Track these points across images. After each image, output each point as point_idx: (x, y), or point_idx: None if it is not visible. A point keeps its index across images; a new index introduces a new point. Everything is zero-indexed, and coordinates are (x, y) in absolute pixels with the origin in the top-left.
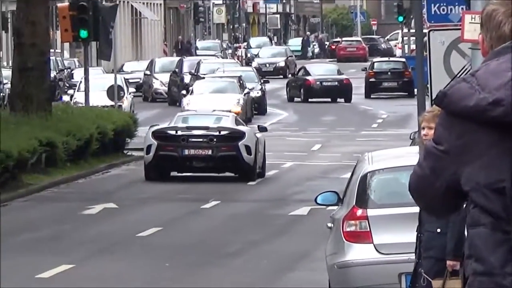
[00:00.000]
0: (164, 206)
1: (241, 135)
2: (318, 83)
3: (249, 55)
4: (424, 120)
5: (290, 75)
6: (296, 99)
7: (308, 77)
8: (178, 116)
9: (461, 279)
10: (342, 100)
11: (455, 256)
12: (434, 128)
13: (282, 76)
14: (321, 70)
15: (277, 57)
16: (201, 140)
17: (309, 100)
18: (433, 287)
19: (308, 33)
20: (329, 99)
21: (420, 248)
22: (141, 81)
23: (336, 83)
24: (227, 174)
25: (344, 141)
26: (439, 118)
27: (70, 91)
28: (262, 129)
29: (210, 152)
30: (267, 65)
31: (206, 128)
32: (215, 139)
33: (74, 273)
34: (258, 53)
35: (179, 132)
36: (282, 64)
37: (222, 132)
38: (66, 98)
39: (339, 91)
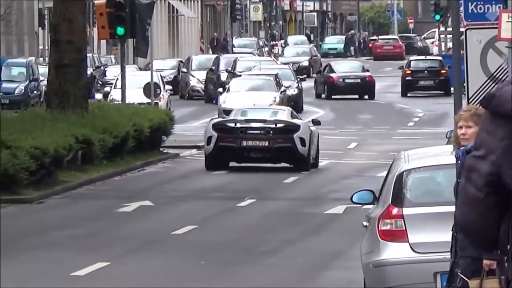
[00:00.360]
0: (199, 204)
1: (296, 128)
2: (341, 80)
3: None
4: (462, 119)
5: (314, 75)
6: (323, 95)
7: (332, 74)
8: (237, 110)
9: (498, 279)
10: (366, 97)
11: (492, 255)
12: (471, 127)
13: (306, 76)
14: (345, 68)
15: (301, 56)
16: (258, 132)
17: (333, 97)
18: (470, 287)
19: (352, 31)
20: (353, 96)
21: (456, 247)
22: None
23: (359, 80)
24: (283, 164)
25: (380, 139)
26: (481, 123)
27: (107, 88)
28: (316, 122)
29: (266, 143)
30: (291, 64)
31: (263, 121)
32: (271, 131)
33: (110, 271)
34: (282, 52)
35: (238, 125)
36: (306, 63)
37: (278, 125)
38: (98, 96)
39: (362, 88)
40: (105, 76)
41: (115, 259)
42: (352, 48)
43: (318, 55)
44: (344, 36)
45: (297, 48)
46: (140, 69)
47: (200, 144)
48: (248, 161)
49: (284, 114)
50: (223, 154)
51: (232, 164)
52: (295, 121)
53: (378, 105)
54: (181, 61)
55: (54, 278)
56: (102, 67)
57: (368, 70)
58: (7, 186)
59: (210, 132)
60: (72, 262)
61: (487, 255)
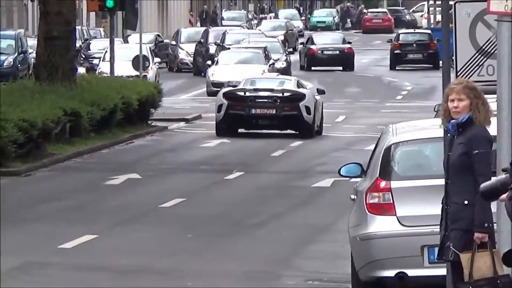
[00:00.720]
0: (187, 177)
1: (302, 96)
2: (319, 52)
3: None
4: (454, 92)
5: (290, 49)
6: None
7: (312, 46)
8: (246, 79)
9: (490, 252)
10: (346, 68)
11: (484, 229)
12: (463, 100)
13: None
14: (326, 40)
15: (277, 30)
16: (266, 100)
17: (312, 68)
18: (462, 260)
19: (348, 3)
20: (332, 68)
21: (447, 220)
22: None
23: (338, 52)
24: (289, 131)
25: (369, 112)
26: None
27: (95, 61)
28: (321, 91)
29: (274, 111)
30: None
31: (271, 90)
32: (278, 100)
33: (97, 244)
34: (257, 26)
35: (247, 93)
36: (281, 38)
37: (285, 94)
38: (81, 70)
39: (341, 59)
40: (89, 49)
41: (102, 231)
42: (348, 20)
43: (294, 29)
44: (335, 9)
45: (273, 22)
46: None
47: (188, 117)
48: (256, 128)
49: (291, 83)
50: (233, 121)
51: (240, 130)
52: (301, 90)
53: (367, 78)
54: (158, 35)
55: (41, 251)
56: (87, 40)
57: (350, 42)
58: None
59: (221, 100)
60: (59, 235)
61: (478, 228)
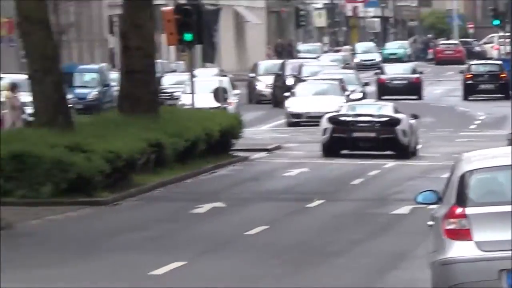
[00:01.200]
0: (269, 205)
1: (398, 121)
2: (388, 81)
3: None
4: None
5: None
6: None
7: (382, 76)
8: (349, 106)
9: None
10: (415, 97)
11: None
12: None
13: None
14: (396, 70)
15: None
16: (366, 125)
17: (382, 97)
18: None
19: (430, 35)
20: (401, 96)
21: None
22: None
23: (406, 81)
24: (387, 152)
25: (444, 141)
26: None
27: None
28: (415, 116)
29: (373, 134)
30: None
31: (370, 115)
32: (377, 124)
33: (186, 270)
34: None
35: (349, 118)
36: None
37: (383, 119)
38: None
39: (409, 89)
40: (160, 84)
41: (191, 259)
42: (430, 51)
43: (352, 63)
44: (407, 41)
45: (331, 56)
46: (219, 74)
47: (268, 147)
48: (357, 149)
49: (388, 109)
50: (337, 144)
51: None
52: (398, 115)
53: (440, 108)
54: (221, 70)
55: (132, 278)
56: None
57: (421, 73)
58: (83, 189)
59: (326, 125)
60: (148, 263)
61: None
